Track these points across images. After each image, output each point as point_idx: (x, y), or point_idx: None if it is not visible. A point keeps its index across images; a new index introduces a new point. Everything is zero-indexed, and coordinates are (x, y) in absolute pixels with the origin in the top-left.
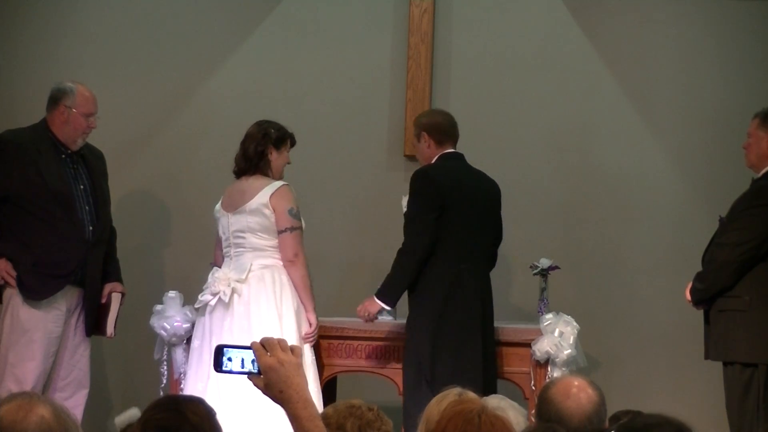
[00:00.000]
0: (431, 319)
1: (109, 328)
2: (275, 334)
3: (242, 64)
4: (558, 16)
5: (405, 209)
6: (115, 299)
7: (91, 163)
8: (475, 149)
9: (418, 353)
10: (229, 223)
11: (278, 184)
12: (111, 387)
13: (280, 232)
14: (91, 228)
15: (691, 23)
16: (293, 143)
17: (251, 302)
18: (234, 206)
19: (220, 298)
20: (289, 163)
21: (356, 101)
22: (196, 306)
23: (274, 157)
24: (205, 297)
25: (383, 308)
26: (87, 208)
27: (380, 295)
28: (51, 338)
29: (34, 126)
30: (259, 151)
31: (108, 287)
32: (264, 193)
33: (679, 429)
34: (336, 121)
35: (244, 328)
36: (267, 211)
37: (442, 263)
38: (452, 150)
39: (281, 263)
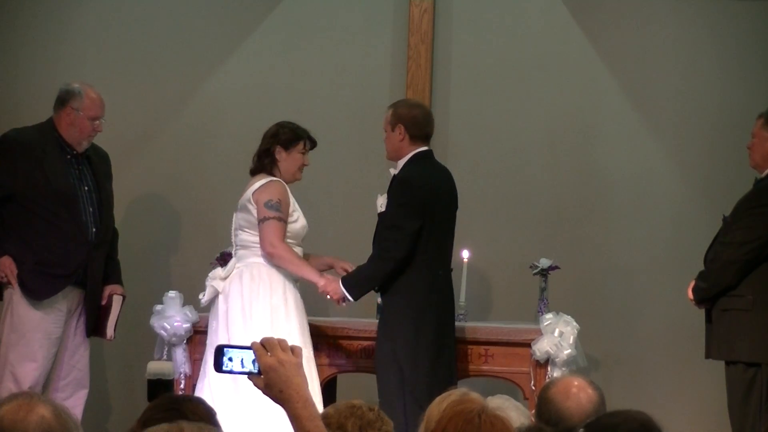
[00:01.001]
0: (411, 323)
1: (109, 331)
2: (244, 333)
3: (242, 64)
4: (558, 16)
5: (380, 209)
6: (116, 302)
7: (96, 164)
8: (475, 149)
9: (398, 357)
10: (231, 221)
11: (267, 179)
12: (111, 387)
13: (258, 224)
14: (94, 230)
15: (691, 23)
16: (312, 145)
17: (229, 300)
18: (237, 205)
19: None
20: (306, 165)
21: (356, 101)
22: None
23: (283, 158)
24: (202, 295)
25: (345, 297)
26: (91, 209)
27: (347, 284)
28: (51, 339)
29: (40, 125)
30: (265, 149)
31: (108, 289)
32: (251, 189)
33: (643, 424)
34: (336, 121)
35: (223, 327)
36: (250, 206)
37: (420, 269)
38: (424, 148)
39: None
